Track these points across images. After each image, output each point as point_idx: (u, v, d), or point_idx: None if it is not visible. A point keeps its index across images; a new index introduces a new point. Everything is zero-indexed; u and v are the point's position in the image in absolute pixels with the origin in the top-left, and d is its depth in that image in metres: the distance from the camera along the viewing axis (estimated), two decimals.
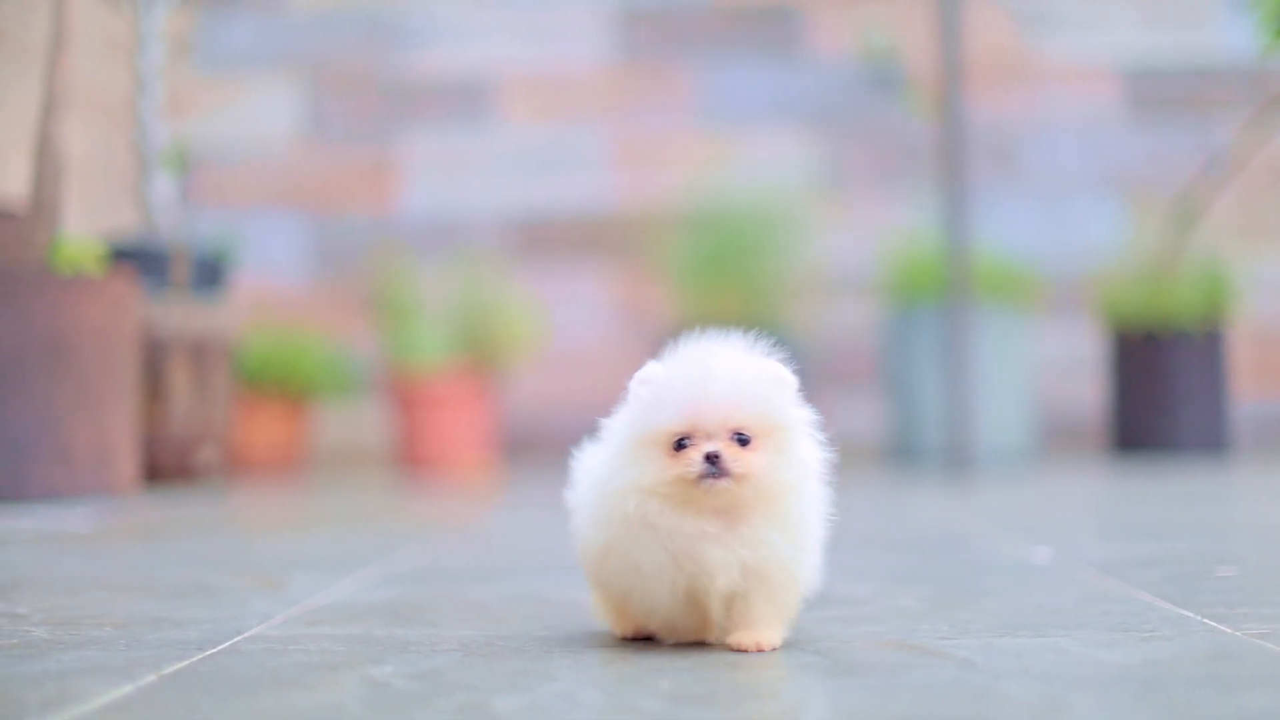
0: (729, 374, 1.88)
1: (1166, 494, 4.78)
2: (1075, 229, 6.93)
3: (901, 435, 6.40)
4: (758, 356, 1.92)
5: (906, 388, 6.41)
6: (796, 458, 1.89)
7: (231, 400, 6.07)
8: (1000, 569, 2.87)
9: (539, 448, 7.02)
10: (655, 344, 6.60)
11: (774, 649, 1.91)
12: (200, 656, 1.98)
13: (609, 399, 6.68)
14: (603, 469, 1.94)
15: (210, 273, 5.95)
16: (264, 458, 6.64)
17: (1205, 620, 2.17)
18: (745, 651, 1.89)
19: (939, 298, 6.22)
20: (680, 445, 1.86)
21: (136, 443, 5.23)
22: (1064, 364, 6.86)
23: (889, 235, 6.76)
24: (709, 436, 1.86)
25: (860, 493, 5.16)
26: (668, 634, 1.96)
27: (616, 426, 1.96)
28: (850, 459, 6.47)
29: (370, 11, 7.24)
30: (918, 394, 6.32)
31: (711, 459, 1.84)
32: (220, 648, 2.06)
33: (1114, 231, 6.82)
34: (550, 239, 7.12)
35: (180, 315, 5.78)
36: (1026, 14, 6.92)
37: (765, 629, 1.91)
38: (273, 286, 6.94)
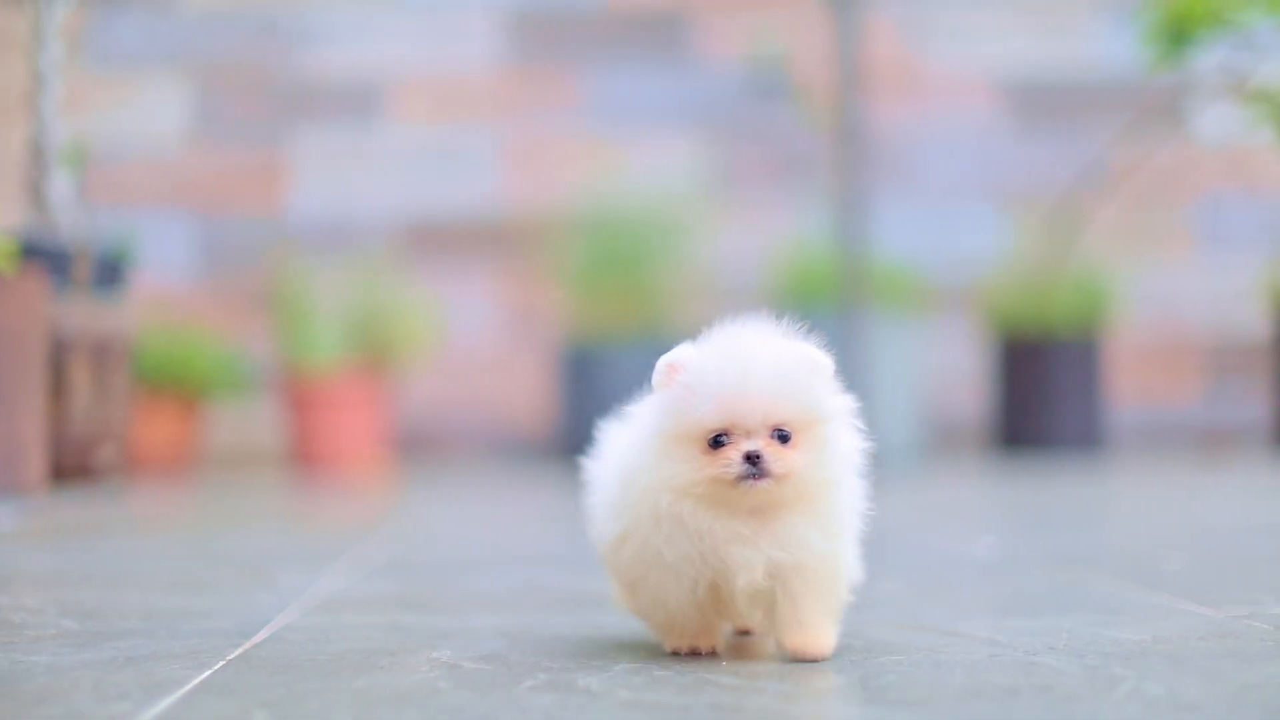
0: (771, 365, 1.74)
1: (1064, 490, 4.97)
2: (961, 237, 7.13)
3: None
4: (795, 342, 1.79)
5: None
6: (836, 452, 1.78)
7: (130, 400, 6.07)
8: (953, 561, 3.01)
9: (432, 448, 7.08)
10: (547, 346, 6.69)
11: (826, 656, 1.81)
12: (250, 644, 2.05)
13: (500, 400, 6.80)
14: (627, 457, 1.83)
15: (110, 272, 5.94)
16: (158, 457, 6.64)
17: (1183, 604, 2.31)
18: (800, 656, 1.80)
19: (831, 302, 6.38)
20: (717, 442, 1.74)
21: (44, 442, 5.22)
22: (950, 367, 7.06)
23: (779, 240, 6.92)
24: (748, 433, 1.74)
25: None
26: (665, 631, 1.86)
27: (645, 414, 1.83)
28: None
29: (262, 11, 7.26)
30: None
31: (752, 459, 1.72)
32: (263, 636, 2.13)
33: (998, 239, 7.04)
34: (442, 241, 7.19)
35: (82, 314, 5.78)
36: (913, 24, 7.12)
37: (817, 632, 1.81)
38: (162, 286, 6.93)
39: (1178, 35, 6.30)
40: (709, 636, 1.85)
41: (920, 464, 6.42)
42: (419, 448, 7.05)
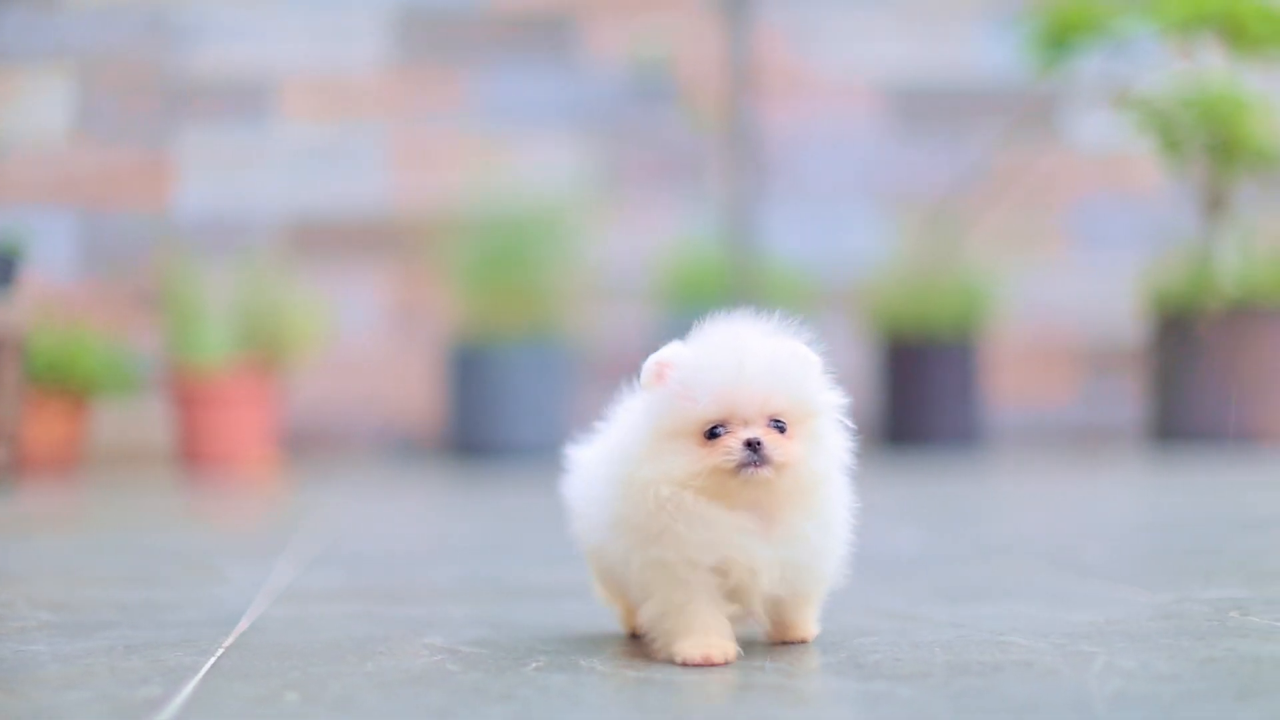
0: (766, 357, 1.77)
1: (956, 486, 5.11)
2: (845, 238, 7.27)
3: None
4: (787, 337, 1.81)
5: None
6: (827, 446, 1.80)
7: (22, 399, 6.04)
8: (887, 552, 3.11)
9: (320, 447, 7.10)
10: (435, 345, 6.74)
11: (811, 639, 1.91)
12: (237, 633, 2.11)
13: (388, 399, 6.83)
14: (610, 465, 1.83)
15: (3, 268, 5.91)
16: (45, 457, 6.60)
17: (1120, 590, 2.44)
18: (788, 642, 1.90)
19: (718, 302, 6.47)
20: (713, 433, 1.75)
21: None
22: (835, 367, 7.19)
23: (666, 241, 7.02)
24: (745, 423, 1.74)
25: None
26: (677, 638, 1.79)
27: (633, 414, 1.84)
28: None
29: (147, 7, 7.24)
30: None
31: (753, 446, 1.72)
32: (245, 625, 2.18)
33: (881, 241, 7.19)
34: (331, 240, 7.21)
35: None
36: (798, 28, 7.25)
37: (805, 619, 1.90)
38: (47, 283, 6.89)
39: (1059, 42, 6.49)
40: (722, 640, 1.78)
41: None
42: (306, 446, 7.06)
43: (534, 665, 1.83)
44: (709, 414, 1.74)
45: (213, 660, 1.89)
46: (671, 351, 1.80)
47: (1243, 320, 6.55)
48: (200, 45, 7.25)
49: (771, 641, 1.90)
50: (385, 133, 7.29)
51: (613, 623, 2.15)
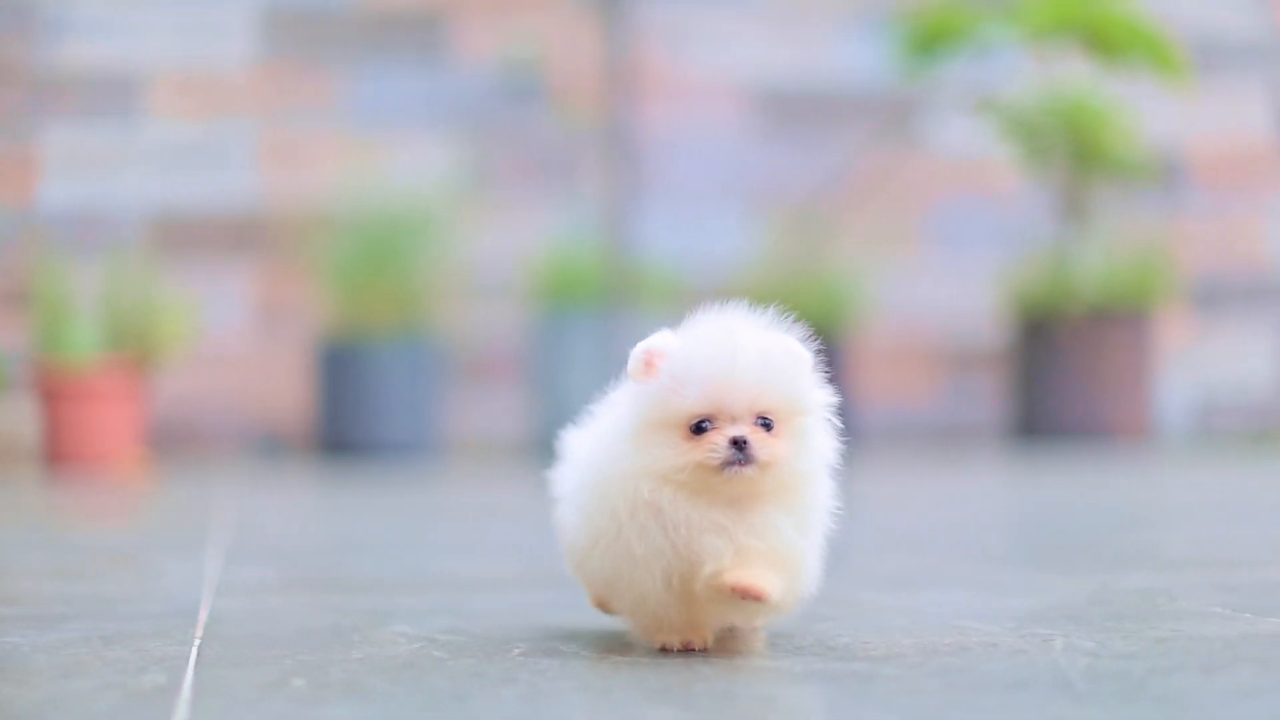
0: (759, 352, 1.74)
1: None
2: (713, 239, 7.37)
3: (545, 431, 6.69)
4: (780, 333, 1.79)
5: (554, 388, 6.72)
6: (813, 445, 1.78)
7: None
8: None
9: (188, 446, 7.06)
10: (305, 344, 6.74)
11: (769, 595, 1.72)
12: (202, 625, 2.14)
13: (257, 397, 6.82)
14: (595, 454, 1.82)
15: None
16: None
17: (1043, 577, 2.55)
18: (742, 589, 1.71)
19: (590, 301, 6.56)
20: (699, 428, 1.72)
21: None
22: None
23: (537, 240, 7.07)
24: (733, 419, 1.72)
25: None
26: (654, 631, 1.81)
27: (619, 404, 1.83)
28: (495, 454, 6.76)
29: (11, 0, 7.15)
30: (566, 393, 6.64)
31: (739, 444, 1.70)
32: (206, 617, 2.21)
33: (748, 242, 7.29)
34: (199, 237, 7.17)
35: None
36: (668, 30, 7.34)
37: (762, 574, 1.73)
38: None
39: (926, 48, 6.65)
40: (699, 631, 1.80)
41: None
42: (174, 445, 7.02)
43: (517, 651, 1.89)
44: (696, 408, 1.72)
45: (195, 650, 1.92)
46: (660, 340, 1.78)
47: (1101, 324, 6.75)
48: (67, 39, 7.17)
49: (725, 597, 1.75)
50: (254, 130, 7.26)
51: (571, 611, 2.22)
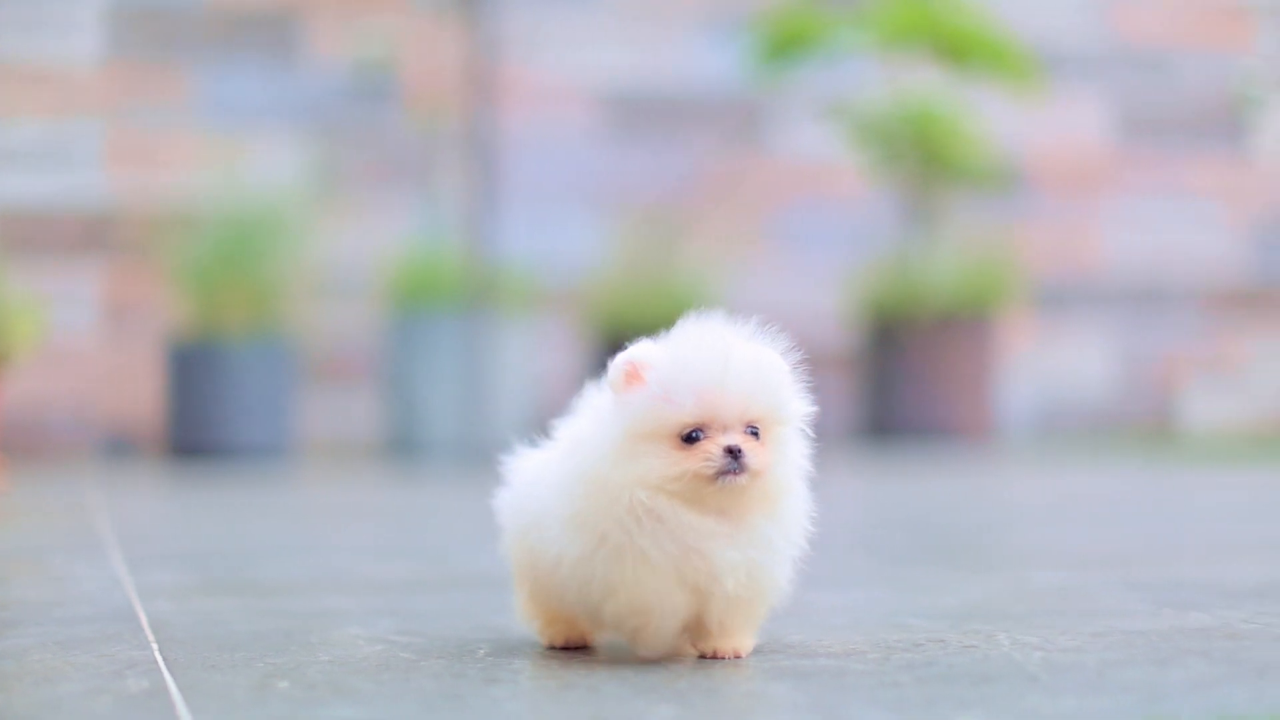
0: (750, 362, 1.76)
1: None
2: (566, 241, 7.42)
3: (401, 433, 6.69)
4: (763, 343, 1.80)
5: (409, 389, 6.72)
6: (790, 454, 1.80)
7: None
8: None
9: (36, 448, 6.95)
10: (156, 345, 6.68)
11: (746, 654, 1.84)
12: (149, 630, 2.15)
13: (107, 400, 6.70)
14: (585, 465, 1.78)
15: None
16: None
17: (961, 575, 2.64)
18: (720, 658, 1.82)
19: (444, 302, 6.58)
20: (690, 438, 1.73)
21: None
22: (554, 368, 7.32)
23: (393, 241, 7.07)
24: (724, 429, 1.73)
25: (427, 487, 5.44)
26: (651, 642, 1.79)
27: (598, 414, 1.82)
28: (351, 456, 6.75)
29: None
30: (416, 393, 6.65)
31: (734, 453, 1.71)
32: (147, 621, 2.22)
33: (599, 245, 7.35)
34: (47, 237, 7.06)
35: None
36: (521, 33, 7.37)
37: (742, 637, 1.84)
38: None
39: (779, 54, 6.77)
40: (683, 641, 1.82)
41: None
42: (20, 447, 6.90)
43: (483, 652, 1.94)
44: (690, 417, 1.73)
45: (158, 654, 1.94)
46: (643, 351, 1.79)
47: (947, 327, 6.92)
48: None
49: (700, 653, 1.84)
50: (103, 129, 7.17)
51: (507, 613, 2.26)
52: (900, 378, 6.96)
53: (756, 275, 7.51)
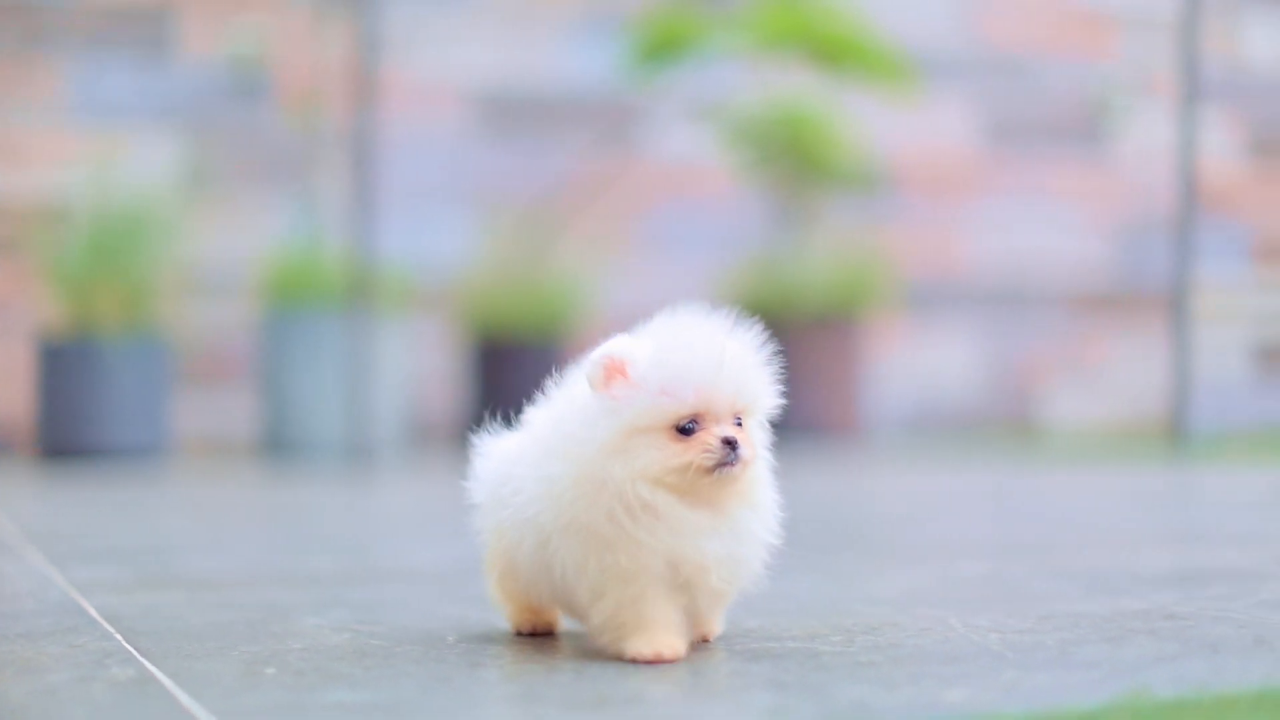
0: (739, 353, 1.78)
1: None
2: (438, 241, 7.42)
3: (277, 432, 6.67)
4: (741, 334, 1.81)
5: (285, 388, 6.69)
6: (762, 444, 1.83)
7: None
8: None
9: None
10: (26, 344, 6.59)
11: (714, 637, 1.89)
12: (106, 621, 2.16)
13: None
14: (572, 460, 1.78)
15: None
16: None
17: (889, 565, 2.71)
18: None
19: (319, 301, 6.57)
20: (685, 430, 1.74)
21: None
22: (427, 367, 7.33)
23: (268, 240, 7.04)
24: (717, 420, 1.75)
25: (311, 486, 5.44)
26: (633, 633, 1.77)
27: (574, 408, 1.83)
28: (226, 455, 6.72)
29: None
30: (293, 393, 6.62)
31: (731, 444, 1.73)
32: (98, 614, 2.22)
33: (472, 245, 7.37)
34: None
35: None
36: (395, 32, 7.37)
37: (713, 623, 1.89)
38: None
39: (655, 56, 6.83)
40: (675, 639, 1.78)
41: (401, 459, 6.69)
42: None
43: (452, 638, 1.97)
44: (688, 409, 1.74)
45: (128, 645, 1.95)
46: (621, 347, 1.79)
47: (818, 328, 7.04)
48: None
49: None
50: None
51: (452, 603, 2.30)
52: (781, 377, 7.06)
53: (628, 276, 7.58)
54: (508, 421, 2.04)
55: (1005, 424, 7.83)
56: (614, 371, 1.77)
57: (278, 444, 6.58)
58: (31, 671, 1.77)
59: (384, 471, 5.61)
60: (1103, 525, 3.61)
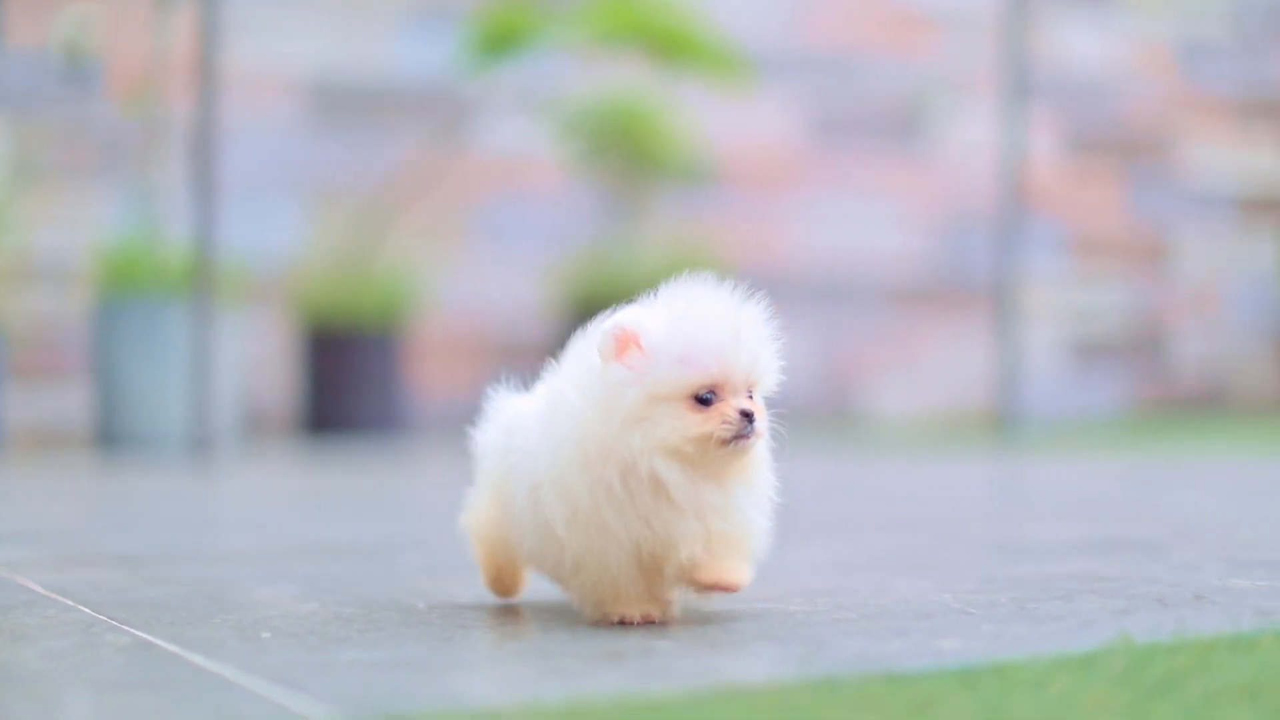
0: (755, 323, 1.78)
1: (430, 471, 5.39)
2: (269, 231, 7.38)
3: (110, 424, 6.58)
4: (751, 305, 1.81)
5: (115, 378, 6.61)
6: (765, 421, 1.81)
7: None
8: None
9: None
10: None
11: (742, 586, 1.80)
12: (59, 594, 2.16)
13: None
14: (580, 430, 1.77)
15: None
16: None
17: (798, 537, 2.79)
18: (714, 590, 1.80)
19: (151, 291, 6.50)
20: (703, 400, 1.74)
21: None
22: (260, 357, 7.29)
23: (99, 230, 6.94)
24: (734, 390, 1.76)
25: (150, 477, 5.38)
26: (614, 604, 1.81)
27: (585, 377, 1.81)
28: (57, 446, 6.62)
29: None
30: (128, 384, 6.55)
31: (748, 416, 1.74)
32: (46, 591, 2.22)
33: (304, 234, 7.34)
34: None
35: None
36: (225, 20, 7.29)
37: (731, 565, 1.79)
38: None
39: (493, 49, 6.87)
40: (658, 604, 1.82)
41: (238, 450, 6.65)
42: None
43: (423, 605, 2.02)
44: (708, 379, 1.74)
45: (100, 615, 1.96)
46: (633, 318, 1.78)
47: None
48: None
49: (697, 590, 1.83)
50: None
51: (401, 574, 2.34)
52: None
53: (460, 267, 7.60)
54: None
55: (831, 415, 7.99)
56: (626, 342, 1.76)
57: (112, 436, 6.49)
58: (25, 639, 1.78)
59: (224, 462, 5.57)
60: (971, 505, 3.74)
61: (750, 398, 1.78)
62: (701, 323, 1.76)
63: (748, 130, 7.99)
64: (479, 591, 2.09)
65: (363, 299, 7.01)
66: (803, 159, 8.16)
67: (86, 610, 2.00)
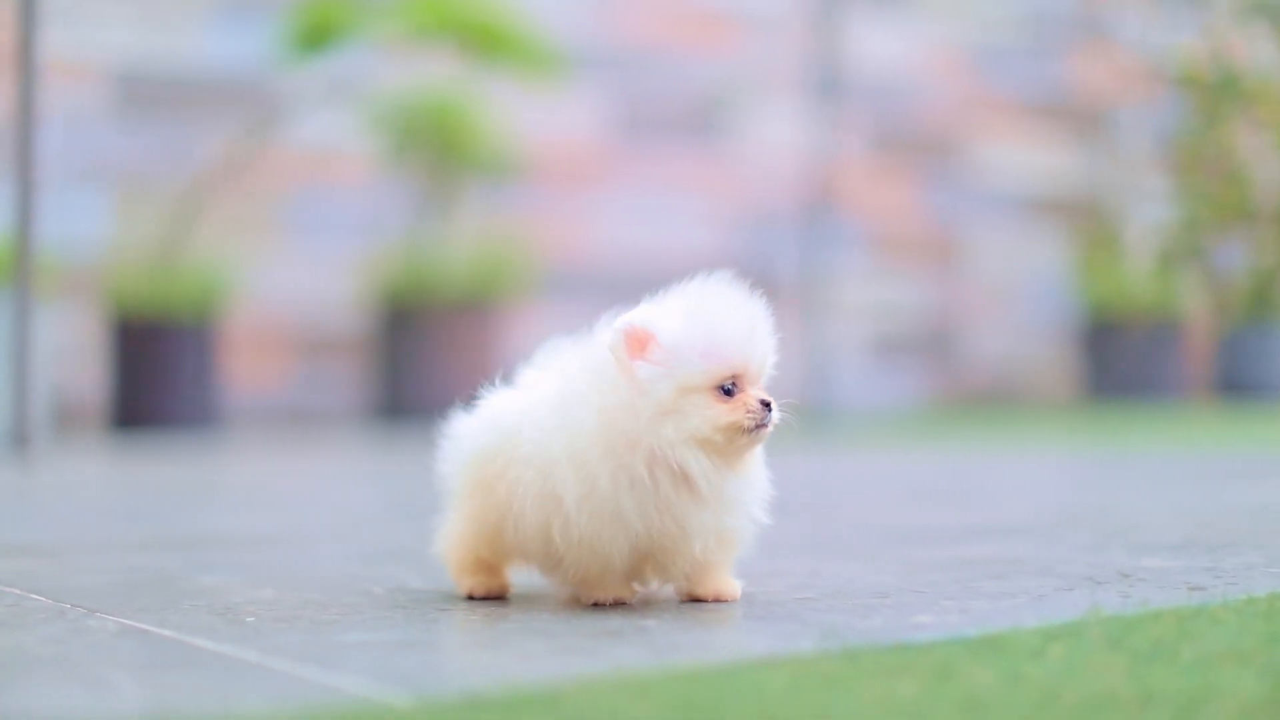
0: (764, 317, 1.87)
1: (276, 465, 5.37)
2: (80, 221, 7.24)
3: None
4: (756, 300, 1.88)
5: None
6: None
7: None
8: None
9: None
10: None
11: (736, 598, 1.93)
12: (31, 581, 2.16)
13: None
14: (602, 423, 1.82)
15: None
16: None
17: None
18: (720, 599, 1.92)
19: None
20: (727, 391, 1.82)
21: None
22: (64, 348, 7.15)
23: None
24: (751, 382, 1.84)
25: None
26: (594, 585, 1.88)
27: (587, 374, 1.87)
28: None
29: None
30: None
31: (768, 406, 1.83)
32: (19, 577, 2.22)
33: (109, 225, 7.22)
34: None
35: None
36: (28, 7, 7.13)
37: (727, 577, 1.94)
38: None
39: (309, 42, 6.83)
40: (629, 589, 1.91)
41: (59, 442, 6.53)
42: None
43: (380, 590, 2.05)
44: (730, 370, 1.81)
45: (63, 603, 1.96)
46: (646, 316, 1.84)
47: (459, 312, 7.17)
48: None
49: (689, 599, 1.94)
50: None
51: (343, 562, 2.37)
52: (411, 361, 7.16)
53: (271, 260, 7.55)
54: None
55: None
56: (641, 340, 1.82)
57: None
58: (20, 626, 1.78)
59: (43, 456, 5.48)
60: (820, 494, 3.83)
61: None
62: (721, 317, 1.84)
63: (556, 126, 8.05)
64: (417, 578, 2.14)
65: (174, 292, 6.92)
66: (609, 155, 8.25)
67: (42, 599, 2.00)
